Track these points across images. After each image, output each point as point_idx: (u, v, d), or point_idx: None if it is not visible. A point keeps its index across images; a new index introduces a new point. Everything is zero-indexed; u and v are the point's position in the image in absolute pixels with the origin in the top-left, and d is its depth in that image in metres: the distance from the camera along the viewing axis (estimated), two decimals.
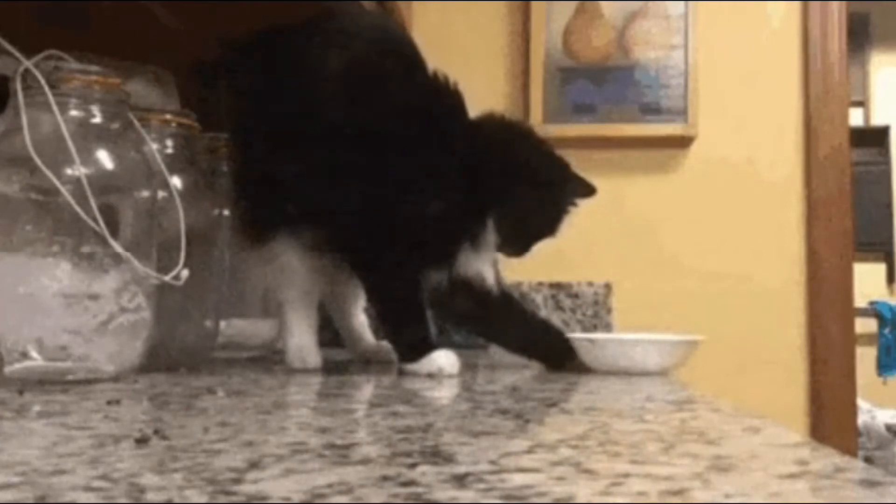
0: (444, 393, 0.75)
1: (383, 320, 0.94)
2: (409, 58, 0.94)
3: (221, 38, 0.95)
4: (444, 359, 0.88)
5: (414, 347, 0.89)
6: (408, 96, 0.92)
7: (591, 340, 0.95)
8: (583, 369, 0.94)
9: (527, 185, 0.94)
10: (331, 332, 1.08)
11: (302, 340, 0.96)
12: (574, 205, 0.98)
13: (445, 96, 0.94)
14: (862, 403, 2.89)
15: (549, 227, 0.97)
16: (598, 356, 0.93)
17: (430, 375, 0.86)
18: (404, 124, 0.90)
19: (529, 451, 0.44)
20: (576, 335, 0.99)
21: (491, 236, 0.93)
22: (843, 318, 1.83)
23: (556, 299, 1.82)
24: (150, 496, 0.31)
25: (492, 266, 0.96)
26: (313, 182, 0.90)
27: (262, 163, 0.94)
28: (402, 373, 0.89)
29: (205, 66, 1.03)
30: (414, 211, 0.89)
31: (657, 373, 0.92)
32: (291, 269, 0.95)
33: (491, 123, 0.96)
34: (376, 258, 0.91)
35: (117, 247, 0.72)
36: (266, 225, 0.95)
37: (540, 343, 1.00)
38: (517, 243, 0.96)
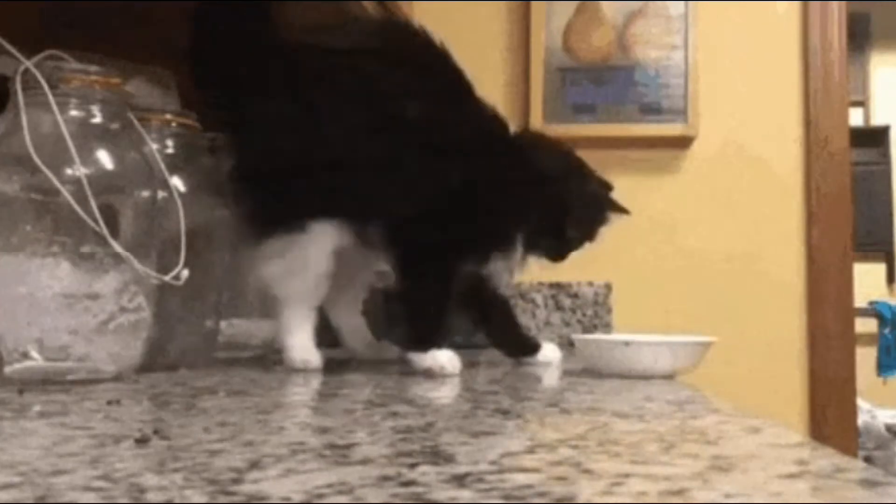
0: (444, 393, 0.75)
1: (408, 303, 0.94)
2: (459, 76, 1.00)
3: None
4: (446, 357, 0.89)
5: (424, 339, 0.90)
6: (466, 114, 0.98)
7: (627, 343, 0.91)
8: (590, 370, 0.93)
9: (556, 196, 1.01)
10: (331, 332, 1.08)
11: (302, 340, 0.96)
12: (620, 210, 1.06)
13: (492, 116, 1.00)
14: (862, 403, 2.89)
15: (585, 232, 1.05)
16: (606, 358, 0.91)
17: (429, 371, 0.87)
18: (464, 137, 0.95)
19: (529, 451, 0.44)
20: (610, 336, 0.99)
21: (518, 246, 0.98)
22: (843, 318, 1.83)
23: (556, 299, 1.82)
24: (150, 496, 0.31)
25: (508, 271, 1.02)
26: (372, 177, 0.92)
27: (282, 154, 0.93)
28: (402, 372, 0.89)
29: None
30: (466, 218, 0.94)
31: (669, 375, 0.89)
32: (303, 263, 0.94)
33: (527, 141, 1.05)
34: (429, 257, 0.93)
35: (117, 247, 0.72)
36: (278, 218, 0.94)
37: (506, 337, 1.09)
38: (556, 251, 1.04)
